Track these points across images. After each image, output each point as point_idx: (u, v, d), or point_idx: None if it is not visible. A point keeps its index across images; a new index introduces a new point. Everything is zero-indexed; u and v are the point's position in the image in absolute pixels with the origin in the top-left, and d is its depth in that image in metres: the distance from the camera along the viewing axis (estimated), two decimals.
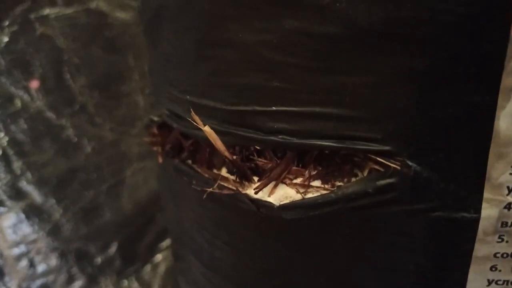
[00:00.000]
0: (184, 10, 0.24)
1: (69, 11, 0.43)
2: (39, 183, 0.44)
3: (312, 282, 0.25)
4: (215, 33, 0.23)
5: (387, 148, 0.21)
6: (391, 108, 0.20)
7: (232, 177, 0.25)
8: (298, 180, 0.23)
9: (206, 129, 0.24)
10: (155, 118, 0.30)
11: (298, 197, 0.23)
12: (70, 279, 0.46)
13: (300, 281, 0.26)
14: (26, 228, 0.43)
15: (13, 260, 0.43)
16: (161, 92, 0.29)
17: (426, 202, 0.21)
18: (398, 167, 0.21)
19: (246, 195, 0.24)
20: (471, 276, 0.22)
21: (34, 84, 0.42)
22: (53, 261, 0.45)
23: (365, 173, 0.22)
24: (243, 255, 0.27)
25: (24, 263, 0.43)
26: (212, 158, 0.27)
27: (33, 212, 0.43)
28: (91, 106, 0.45)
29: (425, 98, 0.20)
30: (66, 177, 0.45)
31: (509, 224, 0.21)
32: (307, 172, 0.23)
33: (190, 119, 0.25)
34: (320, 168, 0.23)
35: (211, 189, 0.25)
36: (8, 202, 0.42)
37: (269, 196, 0.24)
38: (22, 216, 0.43)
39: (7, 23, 0.41)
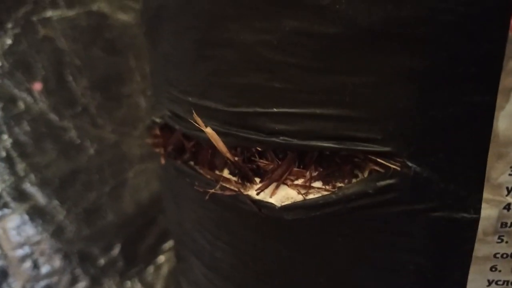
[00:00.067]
0: (184, 10, 0.24)
1: (71, 13, 0.44)
2: (42, 184, 0.44)
3: (313, 282, 0.25)
4: (215, 33, 0.23)
5: (387, 149, 0.21)
6: (391, 108, 0.20)
7: (234, 178, 0.25)
8: (299, 181, 0.23)
9: (208, 130, 0.24)
10: (157, 120, 0.30)
11: (299, 198, 0.23)
12: (74, 280, 0.46)
13: (301, 281, 0.26)
14: (30, 230, 0.43)
15: (17, 261, 0.43)
16: (162, 93, 0.29)
17: (426, 202, 0.21)
18: (398, 168, 0.21)
19: (248, 196, 0.24)
20: (471, 276, 0.22)
21: (37, 86, 0.43)
22: (57, 262, 0.45)
23: (366, 174, 0.22)
24: (244, 255, 0.27)
25: (28, 264, 0.44)
26: (214, 159, 0.27)
27: (36, 214, 0.43)
28: (93, 107, 0.46)
29: (425, 98, 0.20)
30: (68, 178, 0.45)
31: (509, 224, 0.21)
32: (308, 173, 0.23)
33: (191, 121, 0.25)
34: (321, 169, 0.23)
35: (213, 190, 0.25)
36: (12, 204, 0.42)
37: (270, 197, 0.24)
38: (26, 217, 0.43)
39: (10, 25, 0.41)
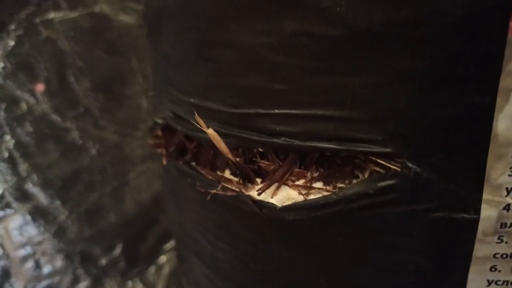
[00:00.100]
0: (185, 11, 0.24)
1: (73, 15, 0.44)
2: (45, 185, 0.44)
3: (313, 282, 0.25)
4: (216, 34, 0.23)
5: (387, 150, 0.21)
6: (391, 109, 0.21)
7: (235, 179, 0.25)
8: (300, 182, 0.24)
9: (210, 131, 0.24)
10: (159, 121, 0.30)
11: (300, 198, 0.23)
12: (75, 281, 0.46)
13: (302, 281, 0.26)
14: (32, 230, 0.43)
15: (19, 261, 0.43)
16: (164, 94, 0.29)
17: (426, 203, 0.21)
18: (398, 169, 0.21)
19: (249, 197, 0.24)
20: (471, 276, 0.22)
21: (40, 87, 0.43)
22: (59, 262, 0.45)
23: (366, 175, 0.22)
24: (244, 255, 0.27)
25: (30, 264, 0.44)
26: (215, 160, 0.27)
27: (38, 214, 0.44)
28: (95, 108, 0.46)
29: (424, 99, 0.20)
30: (70, 179, 0.45)
31: (508, 225, 0.21)
32: (309, 173, 0.23)
33: (193, 122, 0.25)
34: (322, 170, 0.23)
35: (214, 191, 0.26)
36: (15, 204, 0.43)
37: (271, 197, 0.24)
38: (28, 218, 0.43)
39: (12, 27, 0.41)
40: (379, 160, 0.21)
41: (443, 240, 0.22)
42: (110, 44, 0.46)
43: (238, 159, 0.25)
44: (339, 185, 0.23)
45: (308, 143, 0.22)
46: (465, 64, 0.19)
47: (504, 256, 0.22)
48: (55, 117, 0.44)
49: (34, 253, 0.44)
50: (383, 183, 0.21)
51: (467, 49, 0.19)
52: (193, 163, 0.28)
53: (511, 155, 0.20)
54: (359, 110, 0.21)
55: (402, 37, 0.19)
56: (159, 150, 0.32)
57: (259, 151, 0.24)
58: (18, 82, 0.42)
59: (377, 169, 0.22)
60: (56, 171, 0.44)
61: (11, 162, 0.42)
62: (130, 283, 0.49)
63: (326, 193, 0.23)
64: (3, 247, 0.42)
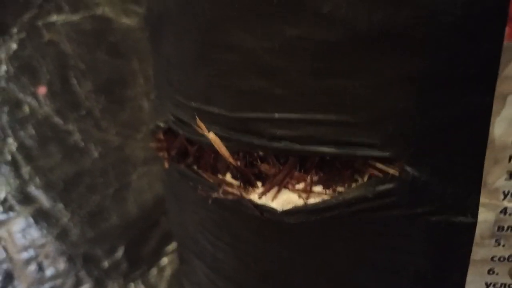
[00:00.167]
0: (186, 16, 0.25)
1: (75, 17, 0.44)
2: (47, 187, 0.44)
3: (314, 283, 0.26)
4: (217, 38, 0.23)
5: (386, 154, 0.21)
6: (390, 113, 0.21)
7: (236, 182, 0.26)
8: (300, 186, 0.24)
9: (211, 135, 0.24)
10: (161, 124, 0.30)
11: (300, 202, 0.23)
12: (78, 283, 0.46)
13: (302, 283, 0.26)
14: (34, 233, 0.44)
15: (22, 264, 0.43)
16: (166, 98, 0.29)
17: (424, 206, 0.21)
18: (397, 173, 0.21)
19: (250, 200, 0.25)
20: (469, 278, 0.23)
21: (42, 90, 0.43)
22: (61, 265, 0.45)
23: (365, 179, 0.23)
24: (245, 257, 0.27)
25: (33, 267, 0.44)
26: (216, 164, 0.27)
27: (41, 217, 0.44)
28: (97, 111, 0.46)
29: (422, 102, 0.20)
30: (73, 181, 0.45)
31: (506, 228, 0.21)
32: (309, 177, 0.23)
33: (195, 126, 0.25)
34: (322, 174, 0.23)
35: (216, 195, 0.26)
36: (17, 207, 0.43)
37: (272, 201, 0.24)
38: (31, 220, 0.43)
39: (15, 30, 0.41)
40: (377, 164, 0.22)
41: (442, 243, 0.22)
42: (112, 46, 0.46)
43: (239, 163, 0.25)
44: (339, 189, 0.23)
45: (308, 147, 0.22)
46: (462, 70, 0.19)
47: (502, 259, 0.22)
48: (57, 120, 0.44)
49: (37, 256, 0.44)
50: (382, 187, 0.22)
51: (464, 55, 0.19)
52: (195, 167, 0.28)
53: (507, 159, 0.20)
54: (358, 115, 0.21)
55: (400, 42, 0.20)
56: (161, 153, 0.32)
57: (260, 155, 0.25)
58: (21, 85, 0.42)
59: (376, 173, 0.22)
60: (58, 173, 0.44)
61: (14, 165, 0.42)
62: (132, 285, 0.49)
63: (326, 197, 0.23)
64: (6, 250, 0.43)
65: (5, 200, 0.42)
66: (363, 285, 0.25)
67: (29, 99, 0.43)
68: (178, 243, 0.37)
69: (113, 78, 0.47)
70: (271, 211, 0.24)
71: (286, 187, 0.24)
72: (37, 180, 0.44)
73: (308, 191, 0.23)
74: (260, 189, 0.25)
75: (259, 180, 0.25)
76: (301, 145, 0.23)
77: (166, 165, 0.31)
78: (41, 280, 0.44)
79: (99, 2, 0.45)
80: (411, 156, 0.21)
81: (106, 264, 0.47)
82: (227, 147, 0.25)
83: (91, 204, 0.46)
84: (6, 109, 0.42)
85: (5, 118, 0.42)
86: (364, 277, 0.24)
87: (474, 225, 0.21)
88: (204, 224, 0.29)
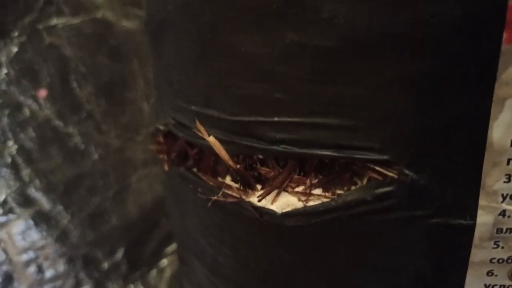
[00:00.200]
0: (186, 20, 0.25)
1: (76, 21, 0.44)
2: (47, 190, 0.44)
3: (314, 285, 0.26)
4: (216, 43, 0.23)
5: (384, 157, 0.21)
6: (388, 117, 0.21)
7: (236, 185, 0.26)
8: (300, 188, 0.24)
9: (211, 139, 0.24)
10: (161, 127, 0.31)
11: (300, 205, 0.24)
12: (78, 284, 0.46)
13: (302, 285, 0.26)
14: (34, 235, 0.44)
15: (22, 266, 0.43)
16: (166, 101, 0.29)
17: (423, 209, 0.22)
18: (396, 176, 0.21)
19: (250, 203, 0.25)
20: (468, 280, 0.23)
21: (43, 93, 0.43)
22: (61, 266, 0.45)
23: (364, 182, 0.23)
24: (246, 259, 0.27)
25: (32, 269, 0.44)
26: (216, 167, 0.27)
27: (41, 219, 0.44)
28: (97, 113, 0.46)
29: (421, 106, 0.20)
30: (73, 183, 0.45)
31: (504, 230, 0.21)
32: (308, 180, 0.24)
33: (194, 129, 0.25)
34: (321, 177, 0.23)
35: (216, 197, 0.26)
36: (17, 209, 0.43)
37: (271, 204, 0.24)
38: (31, 222, 0.43)
39: (16, 33, 0.41)
40: (377, 167, 0.22)
41: (441, 245, 0.22)
42: (112, 49, 0.46)
43: (238, 166, 0.25)
44: (338, 191, 0.23)
45: (307, 151, 0.23)
46: (460, 75, 0.20)
47: (501, 261, 0.22)
48: (58, 122, 0.44)
49: (36, 258, 0.44)
50: (381, 190, 0.22)
51: (462, 56, 0.19)
52: (195, 169, 0.29)
53: (506, 162, 0.20)
54: (357, 118, 0.21)
55: (399, 45, 0.20)
56: (161, 156, 0.32)
57: (259, 158, 0.25)
58: (21, 88, 0.42)
59: (375, 176, 0.22)
60: (58, 175, 0.45)
61: (14, 167, 0.42)
62: (132, 287, 0.49)
63: (325, 200, 0.23)
64: (6, 252, 0.43)
65: (5, 202, 0.42)
66: (363, 285, 0.25)
67: (30, 102, 0.43)
68: (178, 244, 0.37)
69: (113, 81, 0.47)
70: (271, 213, 0.24)
71: (285, 190, 0.24)
72: (37, 182, 0.44)
73: (307, 194, 0.24)
74: (259, 192, 0.25)
75: (258, 183, 0.25)
76: (300, 148, 0.23)
77: (166, 167, 0.31)
78: (41, 282, 0.44)
79: (99, 6, 0.45)
80: (410, 159, 0.21)
81: (106, 265, 0.48)
82: (227, 150, 0.25)
83: (91, 206, 0.46)
84: (6, 112, 0.42)
85: (5, 120, 0.42)
86: (364, 279, 0.24)
87: (473, 227, 0.21)
88: (204, 226, 0.29)
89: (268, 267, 0.27)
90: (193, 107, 0.26)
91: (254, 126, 0.24)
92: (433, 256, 0.23)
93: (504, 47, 0.19)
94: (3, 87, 0.41)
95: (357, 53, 0.20)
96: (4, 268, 0.43)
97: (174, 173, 0.30)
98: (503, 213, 0.21)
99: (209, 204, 0.26)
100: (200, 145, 0.27)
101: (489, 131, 0.20)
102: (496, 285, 0.23)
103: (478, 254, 0.22)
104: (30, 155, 0.43)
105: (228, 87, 0.24)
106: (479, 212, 0.21)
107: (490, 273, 0.23)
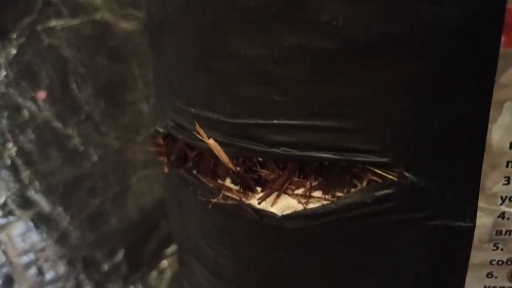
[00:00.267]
0: (186, 23, 0.25)
1: (74, 22, 0.44)
2: (47, 191, 0.44)
3: (314, 286, 0.26)
4: (216, 45, 0.24)
5: (384, 159, 0.21)
6: (387, 119, 0.21)
7: (236, 188, 0.26)
8: (300, 191, 0.24)
9: (211, 142, 0.24)
10: (160, 129, 0.31)
11: (300, 207, 0.24)
12: (78, 286, 0.46)
13: (303, 286, 0.26)
14: (34, 237, 0.44)
15: (22, 268, 0.43)
16: (166, 103, 0.29)
17: (423, 211, 0.22)
18: (395, 178, 0.21)
19: (250, 205, 0.25)
20: (468, 282, 0.23)
21: (42, 94, 0.43)
22: (61, 268, 0.45)
23: (364, 184, 0.23)
24: (246, 261, 0.27)
25: (33, 271, 0.44)
26: (216, 169, 0.27)
27: (41, 221, 0.44)
28: (96, 115, 0.46)
29: (420, 108, 0.20)
30: (73, 185, 0.45)
31: (504, 232, 0.21)
32: (308, 183, 0.24)
33: (194, 132, 0.25)
34: (321, 179, 0.24)
35: (215, 200, 0.26)
36: (17, 211, 0.43)
37: (272, 206, 0.24)
38: (31, 224, 0.43)
39: (14, 35, 0.41)
40: (376, 170, 0.22)
41: (441, 247, 0.22)
42: (111, 50, 0.46)
43: (238, 168, 0.25)
44: (338, 194, 0.23)
45: (307, 153, 0.23)
46: (459, 77, 0.20)
47: (500, 262, 0.22)
48: (57, 124, 0.44)
49: (37, 260, 0.44)
50: (380, 192, 0.22)
51: (461, 62, 0.19)
52: (195, 171, 0.29)
53: (505, 164, 0.20)
54: (356, 121, 0.21)
55: (397, 50, 0.20)
56: (160, 158, 0.32)
57: (259, 160, 0.25)
58: (20, 90, 0.42)
59: (375, 178, 0.22)
60: (58, 177, 0.44)
61: (14, 169, 0.42)
62: None
63: (325, 202, 0.23)
64: (6, 254, 0.43)
65: (5, 204, 0.42)
66: (363, 287, 0.25)
67: (29, 103, 0.43)
68: (179, 246, 0.37)
69: (112, 82, 0.47)
70: (271, 216, 0.24)
71: (285, 192, 0.24)
72: (37, 184, 0.44)
73: (307, 196, 0.24)
74: (259, 194, 0.25)
75: (258, 185, 0.25)
76: (300, 151, 0.23)
77: (166, 170, 0.31)
78: (41, 284, 0.44)
79: (98, 7, 0.45)
80: (409, 161, 0.21)
81: (106, 267, 0.47)
82: (227, 153, 0.25)
83: (91, 208, 0.46)
84: (5, 113, 0.42)
85: (4, 122, 0.42)
86: (363, 281, 0.25)
87: (472, 229, 0.21)
88: (204, 228, 0.29)
89: (268, 269, 0.27)
90: (192, 109, 0.26)
91: (253, 128, 0.24)
92: (432, 258, 0.23)
93: (503, 50, 0.19)
94: (2, 89, 0.41)
95: (356, 54, 0.20)
96: (4, 270, 0.43)
97: (174, 175, 0.30)
98: (502, 215, 0.21)
99: (209, 206, 0.26)
100: (199, 147, 0.27)
101: (488, 134, 0.20)
102: (495, 286, 0.23)
103: (478, 256, 0.22)
104: (30, 157, 0.43)
105: (228, 89, 0.24)
106: (479, 214, 0.21)
107: (489, 275, 0.23)
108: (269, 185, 0.24)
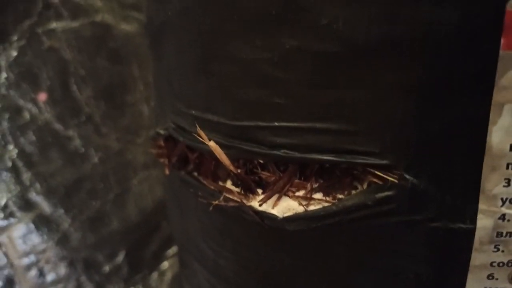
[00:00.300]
0: (186, 26, 0.25)
1: (75, 24, 0.44)
2: (48, 193, 0.44)
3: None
4: (216, 48, 0.24)
5: (384, 162, 0.21)
6: (388, 122, 0.21)
7: (236, 190, 0.26)
8: (301, 193, 0.24)
9: (211, 144, 0.25)
10: (161, 131, 0.31)
11: (301, 209, 0.24)
12: None
13: (303, 287, 0.26)
14: (35, 239, 0.44)
15: (23, 269, 0.43)
16: (166, 105, 0.29)
17: (423, 213, 0.22)
18: (396, 180, 0.21)
19: (251, 207, 0.25)
20: (469, 284, 0.23)
21: (42, 96, 0.43)
22: (62, 270, 0.45)
23: (365, 186, 0.23)
24: (247, 262, 0.28)
25: (33, 272, 0.44)
26: (217, 171, 0.27)
27: (42, 223, 0.44)
28: (97, 116, 0.46)
29: (420, 112, 0.20)
30: (73, 187, 0.45)
31: (504, 234, 0.22)
32: (309, 185, 0.24)
33: (195, 134, 0.26)
34: (322, 181, 0.24)
35: (216, 202, 0.26)
36: (18, 213, 0.43)
37: (272, 208, 0.24)
38: (32, 226, 0.43)
39: (15, 37, 0.41)
40: (377, 172, 0.22)
41: (441, 249, 0.22)
42: (111, 52, 0.46)
43: (239, 170, 0.25)
44: (339, 196, 0.23)
45: (307, 155, 0.23)
46: (459, 80, 0.20)
47: (501, 264, 0.22)
48: (58, 126, 0.44)
49: (37, 261, 0.44)
50: (381, 194, 0.22)
51: (461, 65, 0.19)
52: (195, 173, 0.29)
53: (505, 166, 0.20)
54: (356, 123, 0.21)
55: (397, 53, 0.20)
56: (161, 160, 0.32)
57: (260, 162, 0.25)
58: (21, 92, 0.42)
59: (376, 180, 0.22)
60: (59, 179, 0.45)
61: (15, 171, 0.43)
62: None
63: (326, 204, 0.23)
64: (7, 256, 0.43)
65: (5, 206, 0.42)
66: None
67: (30, 105, 0.43)
68: (179, 247, 0.37)
69: (113, 84, 0.47)
70: (272, 218, 0.24)
71: (286, 194, 0.24)
72: (38, 186, 0.44)
73: (308, 198, 0.24)
74: (260, 196, 0.25)
75: (259, 187, 0.25)
76: (300, 153, 0.23)
77: (167, 171, 0.31)
78: (42, 286, 0.44)
79: (98, 9, 0.45)
80: (410, 163, 0.21)
81: (107, 268, 0.48)
82: (228, 155, 0.25)
83: (92, 209, 0.46)
84: (6, 115, 0.42)
85: (5, 124, 0.42)
86: (364, 283, 0.25)
87: (473, 231, 0.21)
88: (205, 230, 0.29)
89: (269, 270, 0.27)
90: (193, 112, 0.26)
91: (254, 130, 0.24)
92: (433, 260, 0.23)
93: (502, 52, 0.19)
94: (3, 91, 0.42)
95: (356, 57, 0.20)
96: (5, 272, 0.43)
97: (175, 177, 0.30)
98: (502, 217, 0.21)
99: (210, 208, 0.26)
100: (200, 150, 0.27)
101: (488, 136, 0.20)
102: None
103: (478, 257, 0.22)
104: (31, 158, 0.43)
105: (228, 92, 0.24)
106: (479, 216, 0.21)
107: (490, 277, 0.23)
108: (270, 187, 0.24)
